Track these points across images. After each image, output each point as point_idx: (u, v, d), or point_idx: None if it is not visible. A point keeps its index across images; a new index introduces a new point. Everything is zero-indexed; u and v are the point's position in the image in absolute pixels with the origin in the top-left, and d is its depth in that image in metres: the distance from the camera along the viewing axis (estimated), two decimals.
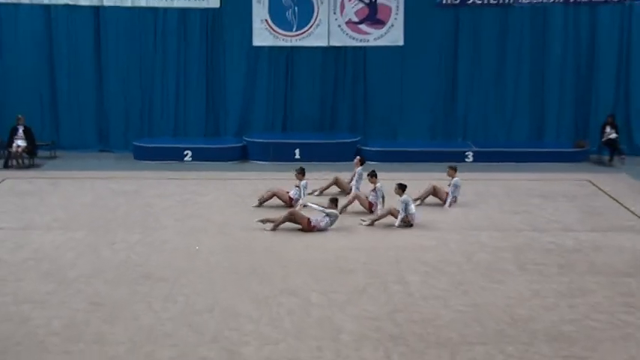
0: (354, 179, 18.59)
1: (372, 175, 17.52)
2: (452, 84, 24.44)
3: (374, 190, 17.27)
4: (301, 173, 17.70)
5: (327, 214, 15.93)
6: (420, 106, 24.42)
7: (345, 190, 18.61)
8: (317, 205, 16.36)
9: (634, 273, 13.51)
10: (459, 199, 18.10)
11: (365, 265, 13.89)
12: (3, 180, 20.25)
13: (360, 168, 18.59)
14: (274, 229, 15.88)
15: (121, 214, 17.20)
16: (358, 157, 19.26)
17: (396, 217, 16.31)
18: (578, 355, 10.49)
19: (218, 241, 15.28)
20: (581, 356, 10.47)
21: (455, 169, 18.19)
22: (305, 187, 17.64)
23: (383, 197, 17.20)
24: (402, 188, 16.59)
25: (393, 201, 16.79)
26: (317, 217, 16.05)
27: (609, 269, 13.73)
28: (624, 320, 11.56)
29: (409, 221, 16.37)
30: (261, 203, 17.72)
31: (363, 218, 16.77)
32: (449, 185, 18.05)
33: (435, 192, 18.01)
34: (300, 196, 17.52)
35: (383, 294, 12.55)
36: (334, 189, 18.84)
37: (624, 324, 11.44)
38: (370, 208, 17.10)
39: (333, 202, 16.29)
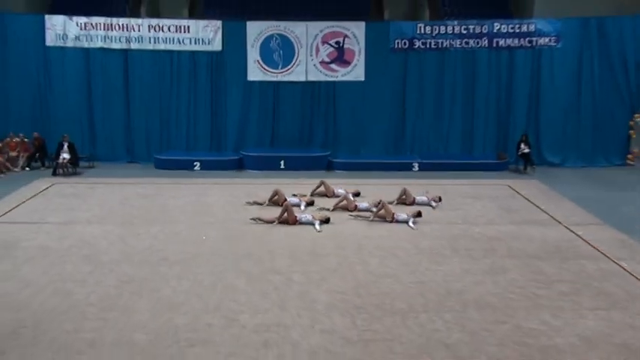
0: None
1: (357, 195, 17.78)
2: (402, 110, 24.47)
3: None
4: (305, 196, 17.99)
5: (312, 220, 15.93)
6: (377, 127, 24.45)
7: (329, 191, 18.58)
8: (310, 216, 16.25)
9: (543, 257, 13.59)
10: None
11: (335, 251, 13.90)
12: (52, 185, 20.12)
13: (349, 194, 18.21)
14: (277, 222, 15.84)
15: (144, 211, 17.13)
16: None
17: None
18: (500, 320, 10.54)
19: (220, 232, 15.24)
20: (502, 321, 10.53)
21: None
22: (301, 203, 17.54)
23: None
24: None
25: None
26: (301, 215, 16.04)
27: (523, 254, 13.80)
28: (535, 293, 11.64)
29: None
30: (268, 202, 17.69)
31: (351, 214, 16.80)
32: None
33: (405, 193, 17.97)
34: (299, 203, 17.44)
35: (349, 273, 12.56)
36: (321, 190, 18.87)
37: (535, 296, 11.52)
38: (354, 209, 17.06)
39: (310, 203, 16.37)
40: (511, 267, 12.95)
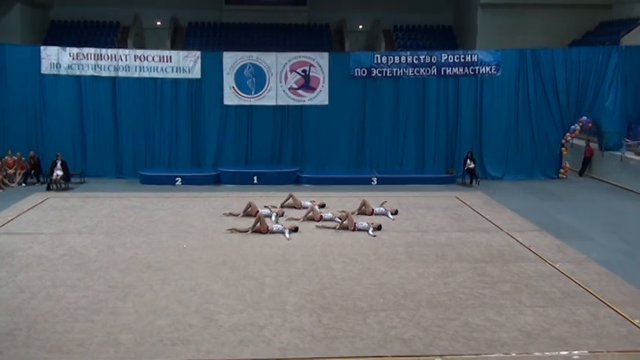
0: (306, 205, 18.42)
1: (322, 206, 17.61)
2: (362, 130, 24.44)
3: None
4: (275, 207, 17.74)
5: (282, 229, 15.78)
6: (340, 146, 24.38)
7: (297, 203, 18.44)
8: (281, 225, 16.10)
9: (488, 260, 13.65)
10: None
11: (303, 257, 13.81)
12: (46, 199, 19.76)
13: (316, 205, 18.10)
14: (250, 231, 15.66)
15: (130, 222, 16.88)
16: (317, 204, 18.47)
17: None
18: (450, 317, 10.54)
19: (199, 241, 15.07)
20: (453, 318, 10.52)
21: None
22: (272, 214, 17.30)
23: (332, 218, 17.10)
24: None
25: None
26: (272, 225, 15.90)
27: (470, 258, 13.84)
28: (481, 293, 11.66)
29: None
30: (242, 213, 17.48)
31: (317, 224, 16.67)
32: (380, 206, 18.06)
33: (365, 204, 17.89)
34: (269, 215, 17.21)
35: (315, 277, 12.49)
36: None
37: (481, 295, 11.54)
38: (320, 219, 16.92)
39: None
40: (460, 270, 12.97)
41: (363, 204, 17.91)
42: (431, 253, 14.22)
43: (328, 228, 16.33)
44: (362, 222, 16.20)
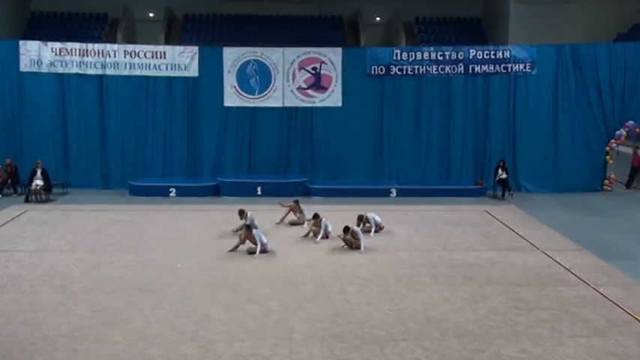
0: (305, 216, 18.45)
1: (316, 217, 17.37)
2: (379, 136, 24.49)
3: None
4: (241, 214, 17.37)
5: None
6: (354, 153, 24.43)
7: (300, 220, 18.41)
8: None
9: (523, 283, 13.55)
10: (385, 226, 18.02)
11: (313, 279, 13.77)
12: (24, 212, 19.83)
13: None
14: (233, 250, 15.68)
15: (118, 238, 16.90)
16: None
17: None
18: (479, 348, 10.45)
19: (195, 260, 15.05)
20: (482, 349, 10.44)
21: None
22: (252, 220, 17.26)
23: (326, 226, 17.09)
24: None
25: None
26: (264, 241, 15.82)
27: (503, 280, 13.75)
28: (515, 320, 11.56)
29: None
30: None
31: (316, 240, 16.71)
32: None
33: (364, 220, 17.80)
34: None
35: (327, 301, 12.44)
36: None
37: (515, 323, 11.44)
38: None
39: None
40: (491, 294, 12.88)
41: (366, 220, 17.72)
42: (458, 274, 14.14)
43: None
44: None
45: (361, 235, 16.17)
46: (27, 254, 15.34)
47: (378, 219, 17.79)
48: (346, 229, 16.09)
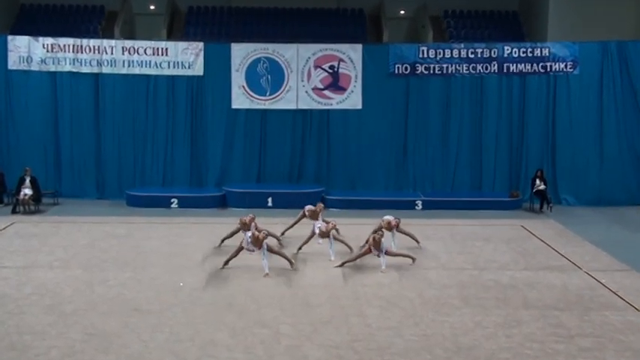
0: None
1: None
2: (403, 142, 24.51)
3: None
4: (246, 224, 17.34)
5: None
6: (375, 161, 24.47)
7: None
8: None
9: (563, 307, 13.45)
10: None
11: (329, 300, 13.73)
12: (11, 224, 19.95)
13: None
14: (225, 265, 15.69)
15: (114, 254, 16.95)
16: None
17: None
18: None
19: (199, 278, 15.06)
20: None
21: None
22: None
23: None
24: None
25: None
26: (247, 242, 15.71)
27: (541, 304, 13.66)
28: (554, 349, 11.46)
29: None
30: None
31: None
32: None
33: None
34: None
35: (344, 325, 12.39)
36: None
37: (554, 352, 11.34)
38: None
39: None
40: (527, 319, 12.79)
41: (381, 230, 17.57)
42: (491, 296, 14.07)
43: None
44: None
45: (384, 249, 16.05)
46: (14, 271, 15.39)
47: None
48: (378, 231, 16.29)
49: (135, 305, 13.27)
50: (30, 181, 22.06)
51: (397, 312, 13.12)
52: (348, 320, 12.66)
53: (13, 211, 21.67)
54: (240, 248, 15.66)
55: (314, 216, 18.33)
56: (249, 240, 15.47)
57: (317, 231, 17.05)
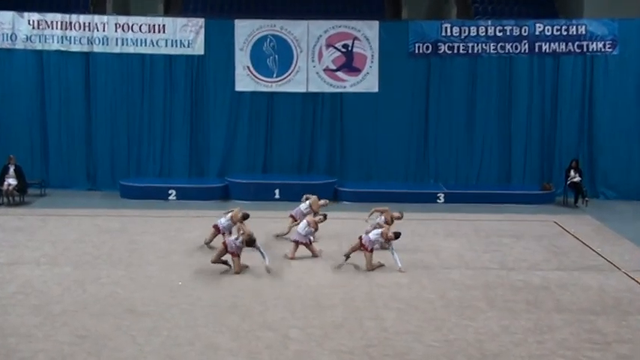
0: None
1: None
2: (424, 129, 24.51)
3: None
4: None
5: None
6: (393, 149, 24.47)
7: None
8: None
9: (599, 311, 13.43)
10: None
11: (342, 302, 13.75)
12: None
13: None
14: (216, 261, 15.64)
15: (106, 250, 17.01)
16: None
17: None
18: None
19: (200, 277, 15.10)
20: None
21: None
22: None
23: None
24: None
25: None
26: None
27: (575, 307, 13.65)
28: (590, 357, 11.45)
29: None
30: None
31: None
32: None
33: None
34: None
35: (358, 329, 12.41)
36: None
37: None
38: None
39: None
40: (560, 324, 12.78)
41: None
42: (520, 299, 14.06)
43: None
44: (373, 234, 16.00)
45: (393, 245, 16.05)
46: None
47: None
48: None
49: (129, 306, 13.31)
50: (14, 170, 22.09)
51: (416, 315, 13.13)
52: (362, 324, 12.67)
53: None
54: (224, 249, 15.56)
55: (315, 206, 18.27)
56: (237, 243, 15.45)
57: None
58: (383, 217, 17.41)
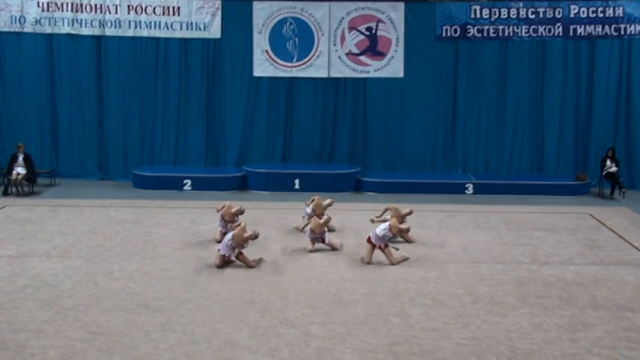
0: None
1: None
2: (452, 116, 24.44)
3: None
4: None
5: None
6: (419, 137, 24.43)
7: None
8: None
9: (637, 308, 13.35)
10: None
11: (365, 297, 13.73)
12: (2, 207, 20.16)
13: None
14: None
15: (119, 242, 17.07)
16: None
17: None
18: None
19: (217, 270, 15.13)
20: None
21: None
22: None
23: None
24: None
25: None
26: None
27: (611, 303, 13.57)
28: (627, 356, 11.38)
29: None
30: None
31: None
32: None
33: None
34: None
35: (383, 326, 12.38)
36: None
37: (626, 359, 11.29)
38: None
39: None
40: (595, 321, 12.72)
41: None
42: (553, 295, 14.00)
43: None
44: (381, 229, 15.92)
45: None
46: (5, 260, 15.55)
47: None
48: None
49: (142, 300, 13.34)
50: (23, 158, 22.20)
51: (444, 311, 13.09)
52: (386, 320, 12.65)
53: (5, 193, 21.88)
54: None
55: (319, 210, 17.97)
56: (229, 243, 15.40)
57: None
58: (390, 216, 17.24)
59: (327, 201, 18.18)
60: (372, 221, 17.05)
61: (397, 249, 15.88)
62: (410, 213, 17.43)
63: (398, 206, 17.48)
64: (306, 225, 17.20)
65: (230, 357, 11.11)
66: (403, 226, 16.21)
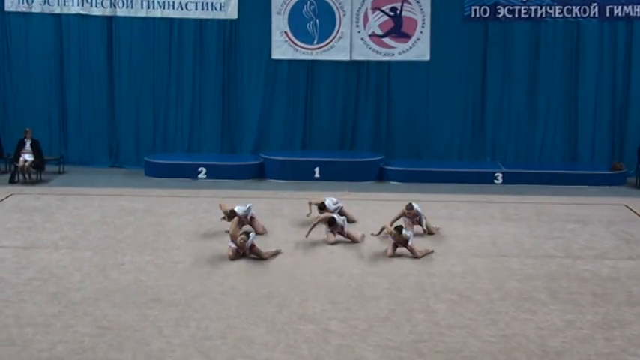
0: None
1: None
2: (480, 101, 24.36)
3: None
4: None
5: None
6: (446, 124, 24.38)
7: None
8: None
9: None
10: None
11: (388, 292, 13.72)
12: (9, 195, 20.25)
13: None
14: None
15: (130, 233, 17.13)
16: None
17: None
18: None
19: (232, 263, 15.16)
20: None
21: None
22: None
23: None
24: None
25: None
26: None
27: None
28: None
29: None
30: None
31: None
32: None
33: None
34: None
35: (407, 322, 12.38)
36: None
37: None
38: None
39: None
40: (631, 318, 12.67)
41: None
42: (586, 290, 13.95)
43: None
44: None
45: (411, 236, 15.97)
46: (12, 251, 15.62)
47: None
48: (398, 229, 15.97)
49: (155, 294, 13.39)
50: (31, 145, 22.29)
51: (471, 307, 13.07)
52: (410, 316, 12.65)
53: (12, 181, 22.00)
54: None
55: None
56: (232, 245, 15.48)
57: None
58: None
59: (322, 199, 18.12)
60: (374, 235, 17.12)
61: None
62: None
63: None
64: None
65: (246, 353, 11.13)
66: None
